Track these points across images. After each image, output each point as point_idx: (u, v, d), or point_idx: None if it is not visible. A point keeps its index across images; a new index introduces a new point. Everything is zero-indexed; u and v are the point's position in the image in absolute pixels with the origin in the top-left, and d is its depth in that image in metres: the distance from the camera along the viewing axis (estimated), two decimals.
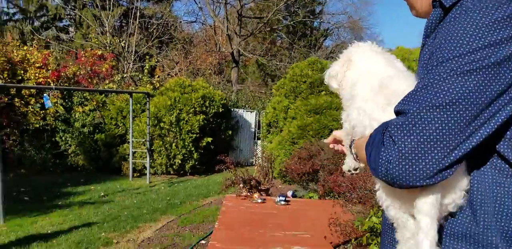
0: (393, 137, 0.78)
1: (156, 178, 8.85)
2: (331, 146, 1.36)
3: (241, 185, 5.77)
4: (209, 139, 9.69)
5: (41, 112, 9.48)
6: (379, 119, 0.91)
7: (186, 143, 9.26)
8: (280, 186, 7.71)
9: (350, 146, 1.11)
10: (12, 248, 3.99)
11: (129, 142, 8.58)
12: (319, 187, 5.93)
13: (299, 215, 4.95)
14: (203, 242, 4.30)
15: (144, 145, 8.79)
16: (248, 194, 5.65)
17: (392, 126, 0.79)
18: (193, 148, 9.31)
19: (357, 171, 1.24)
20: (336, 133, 1.29)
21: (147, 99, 8.45)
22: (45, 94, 7.15)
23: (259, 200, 5.36)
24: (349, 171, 1.24)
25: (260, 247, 3.67)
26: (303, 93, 8.72)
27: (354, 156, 1.10)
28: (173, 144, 9.20)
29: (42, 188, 7.21)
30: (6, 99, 9.04)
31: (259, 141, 11.02)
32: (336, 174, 5.74)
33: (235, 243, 3.75)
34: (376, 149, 0.82)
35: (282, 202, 5.33)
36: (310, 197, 6.04)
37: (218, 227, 4.28)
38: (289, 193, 6.59)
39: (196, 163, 9.45)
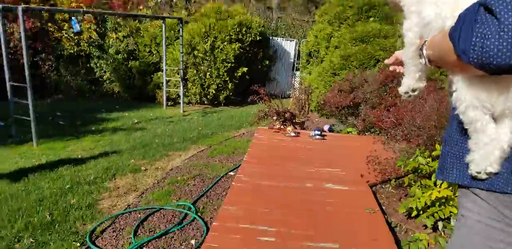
0: (494, 8, 0.69)
1: (190, 108, 8.71)
2: (391, 68, 1.28)
3: (274, 118, 5.44)
4: (245, 69, 9.24)
5: (75, 37, 9.27)
6: (464, 5, 0.78)
7: (221, 73, 8.88)
8: (316, 119, 7.34)
9: (422, 48, 0.98)
10: (42, 171, 3.99)
11: (163, 70, 8.32)
12: (359, 122, 5.50)
13: (335, 151, 4.62)
14: (231, 174, 4.13)
15: (178, 74, 8.50)
16: (282, 127, 5.34)
17: None
18: (227, 78, 8.95)
19: (416, 93, 1.12)
20: (398, 53, 1.23)
21: (181, 25, 7.94)
22: (72, 18, 6.80)
23: (293, 134, 5.05)
24: (406, 93, 1.14)
25: (290, 183, 3.42)
26: (349, 19, 7.85)
27: (426, 60, 0.98)
28: (208, 74, 8.85)
29: (77, 113, 7.25)
30: (39, 24, 8.83)
31: (297, 72, 10.46)
32: (379, 109, 5.25)
33: (264, 177, 3.51)
34: (467, 28, 0.74)
35: (317, 137, 4.99)
36: (348, 132, 5.65)
37: (247, 160, 4.06)
38: (326, 127, 6.24)
39: (231, 93, 9.16)
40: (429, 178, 3.07)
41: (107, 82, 9.65)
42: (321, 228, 2.57)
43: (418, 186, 3.03)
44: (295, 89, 6.10)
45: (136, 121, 6.89)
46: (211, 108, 8.83)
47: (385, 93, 5.51)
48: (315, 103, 7.20)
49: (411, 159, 3.19)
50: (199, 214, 3.12)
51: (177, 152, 5.00)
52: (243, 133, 6.22)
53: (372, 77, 6.04)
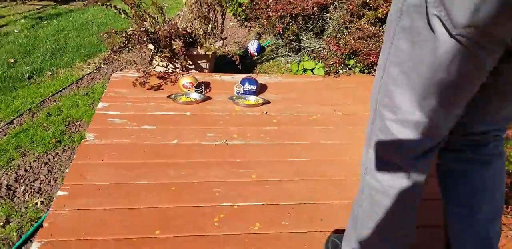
0: None
1: (16, 7, 5.02)
2: None
3: (150, 47, 2.49)
4: None
5: None
6: None
7: None
8: (234, 30, 4.39)
9: None
10: None
11: None
12: (330, 46, 2.75)
13: (307, 148, 1.98)
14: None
15: None
16: (169, 71, 2.46)
17: None
18: None
19: None
20: None
21: None
22: None
23: (194, 96, 2.20)
24: None
25: None
26: None
27: None
28: None
29: None
30: None
31: None
32: (368, 17, 2.56)
33: None
34: None
35: (252, 100, 2.24)
36: (304, 71, 2.89)
37: (54, 212, 1.27)
38: (252, 47, 3.53)
39: None
40: None
41: None
42: None
43: None
44: None
45: None
46: (55, 7, 5.20)
47: None
48: (235, 3, 4.08)
49: None
50: None
51: None
52: (98, 67, 3.15)
53: None
